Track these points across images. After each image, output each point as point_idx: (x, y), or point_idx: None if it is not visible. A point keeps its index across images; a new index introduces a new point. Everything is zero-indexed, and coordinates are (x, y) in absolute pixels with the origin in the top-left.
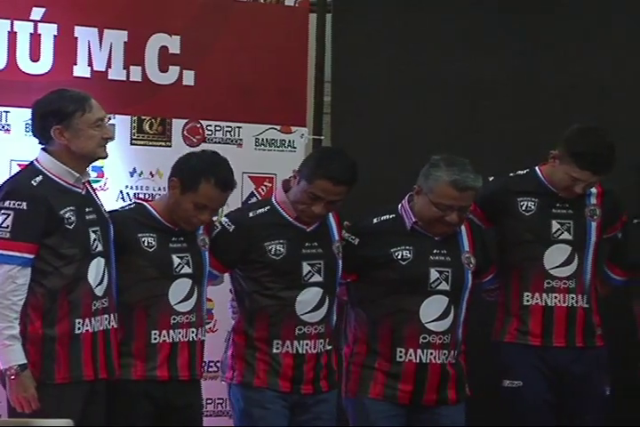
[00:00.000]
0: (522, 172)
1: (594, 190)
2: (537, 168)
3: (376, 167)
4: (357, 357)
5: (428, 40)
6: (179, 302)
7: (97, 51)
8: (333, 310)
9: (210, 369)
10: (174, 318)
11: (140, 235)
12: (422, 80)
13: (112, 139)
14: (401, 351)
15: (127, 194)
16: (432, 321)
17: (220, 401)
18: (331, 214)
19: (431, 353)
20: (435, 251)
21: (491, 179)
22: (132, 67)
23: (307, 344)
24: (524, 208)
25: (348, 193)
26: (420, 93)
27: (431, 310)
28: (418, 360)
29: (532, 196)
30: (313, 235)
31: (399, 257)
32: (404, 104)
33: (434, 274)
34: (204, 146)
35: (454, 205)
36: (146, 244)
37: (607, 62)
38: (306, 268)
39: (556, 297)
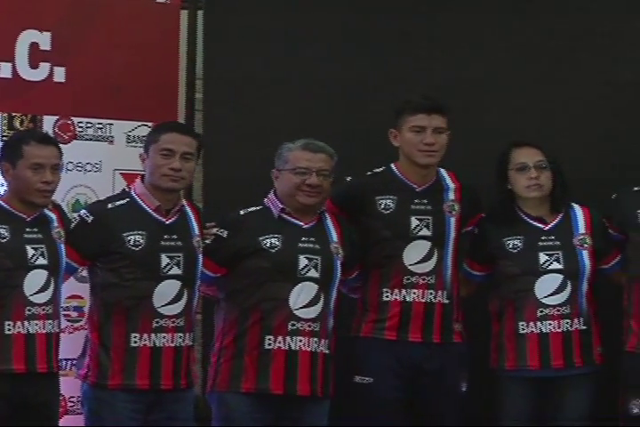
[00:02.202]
0: (378, 170)
1: (452, 185)
2: (392, 165)
3: (247, 165)
4: (227, 350)
5: (300, 38)
6: (34, 294)
7: None
8: (193, 304)
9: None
10: (29, 310)
11: None
12: (295, 78)
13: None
14: (270, 339)
15: None
16: (301, 308)
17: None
18: (189, 209)
19: (300, 340)
20: (303, 238)
21: (348, 179)
22: (2, 63)
23: (164, 337)
24: (382, 206)
25: (198, 154)
26: (292, 92)
27: (300, 297)
28: (287, 348)
29: (390, 193)
30: (172, 227)
31: (268, 245)
32: (276, 102)
33: (303, 261)
34: (75, 143)
35: (311, 167)
36: None
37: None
38: (164, 260)
39: (414, 293)
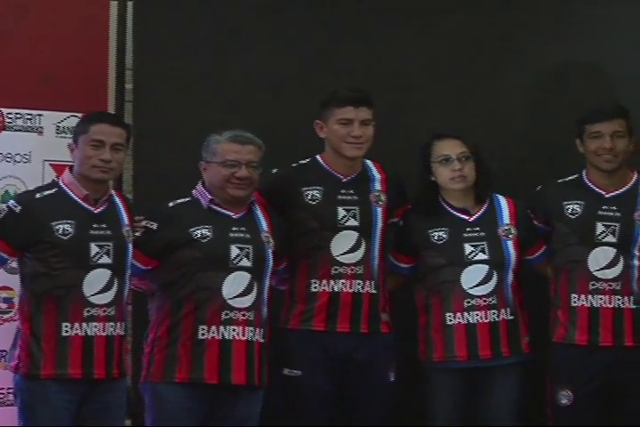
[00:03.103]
0: (304, 161)
1: (377, 176)
2: (318, 156)
3: (177, 156)
4: (160, 341)
5: (229, 29)
6: None
7: None
8: (124, 294)
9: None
10: None
11: None
12: (224, 70)
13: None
14: (203, 329)
15: None
16: (234, 297)
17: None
18: (118, 199)
19: (234, 329)
20: (234, 228)
21: (274, 171)
22: None
23: (96, 327)
24: (309, 197)
25: (128, 145)
26: (221, 83)
27: (233, 286)
28: (221, 337)
29: (317, 184)
30: (101, 217)
31: (199, 236)
32: (205, 93)
33: (234, 251)
34: (4, 134)
35: (240, 160)
36: None
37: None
38: (94, 249)
39: (343, 283)
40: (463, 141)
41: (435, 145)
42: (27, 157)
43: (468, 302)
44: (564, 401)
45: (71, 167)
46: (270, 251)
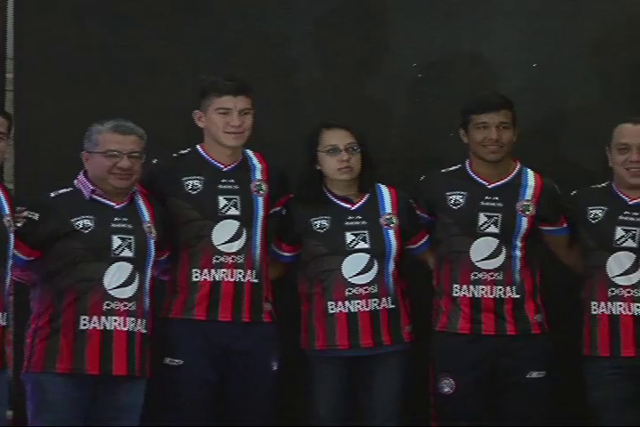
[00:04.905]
0: (184, 151)
1: (258, 165)
2: (198, 146)
3: (58, 146)
4: (42, 331)
5: (114, 18)
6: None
7: None
8: (6, 284)
9: None
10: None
11: None
12: (104, 59)
13: None
14: (85, 319)
15: None
16: (116, 288)
17: None
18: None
19: (115, 320)
20: (116, 219)
21: (155, 161)
22: None
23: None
24: (190, 187)
25: (9, 134)
26: (103, 72)
27: (115, 276)
28: (102, 328)
29: (197, 174)
30: None
31: (80, 226)
32: (87, 82)
33: (116, 241)
34: None
35: (122, 150)
36: None
37: None
38: None
39: (224, 273)
40: (351, 132)
41: (323, 134)
42: None
43: (350, 291)
44: (447, 389)
45: None
46: (152, 241)
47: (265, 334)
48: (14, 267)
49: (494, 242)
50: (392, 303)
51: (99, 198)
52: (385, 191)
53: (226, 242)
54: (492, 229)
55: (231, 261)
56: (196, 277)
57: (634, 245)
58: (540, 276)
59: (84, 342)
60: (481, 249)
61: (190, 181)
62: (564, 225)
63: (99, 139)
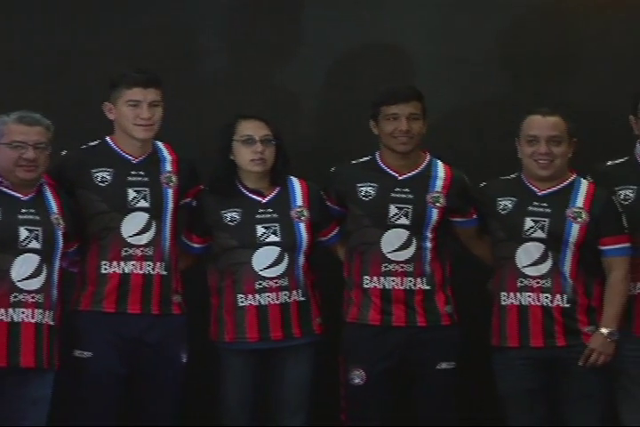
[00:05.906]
0: (93, 143)
1: (168, 157)
2: (107, 138)
3: None
4: None
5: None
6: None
7: None
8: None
9: None
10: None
11: None
12: (9, 49)
13: None
14: None
15: None
16: (24, 279)
17: None
18: None
19: (23, 312)
20: (23, 210)
21: (63, 152)
22: None
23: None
24: (99, 179)
25: None
26: (10, 62)
27: (22, 268)
28: (9, 320)
29: (107, 166)
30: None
31: None
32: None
33: (23, 233)
34: None
35: (27, 141)
36: None
37: None
38: None
39: (133, 265)
40: (268, 124)
41: (239, 124)
42: None
43: (260, 284)
44: (357, 381)
45: None
46: (60, 233)
47: (174, 326)
48: None
49: (405, 233)
50: (302, 296)
51: (5, 190)
52: (296, 184)
53: (135, 234)
54: (403, 220)
55: (140, 253)
56: (105, 269)
57: (543, 235)
58: (450, 267)
59: None
60: (391, 240)
61: (99, 173)
62: (474, 216)
63: (4, 130)
